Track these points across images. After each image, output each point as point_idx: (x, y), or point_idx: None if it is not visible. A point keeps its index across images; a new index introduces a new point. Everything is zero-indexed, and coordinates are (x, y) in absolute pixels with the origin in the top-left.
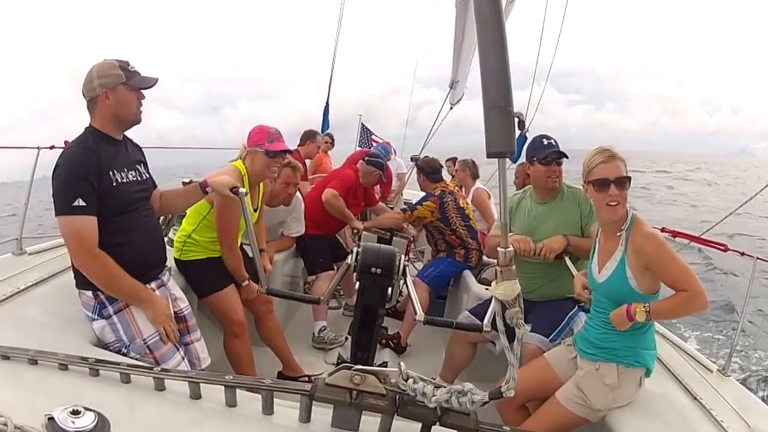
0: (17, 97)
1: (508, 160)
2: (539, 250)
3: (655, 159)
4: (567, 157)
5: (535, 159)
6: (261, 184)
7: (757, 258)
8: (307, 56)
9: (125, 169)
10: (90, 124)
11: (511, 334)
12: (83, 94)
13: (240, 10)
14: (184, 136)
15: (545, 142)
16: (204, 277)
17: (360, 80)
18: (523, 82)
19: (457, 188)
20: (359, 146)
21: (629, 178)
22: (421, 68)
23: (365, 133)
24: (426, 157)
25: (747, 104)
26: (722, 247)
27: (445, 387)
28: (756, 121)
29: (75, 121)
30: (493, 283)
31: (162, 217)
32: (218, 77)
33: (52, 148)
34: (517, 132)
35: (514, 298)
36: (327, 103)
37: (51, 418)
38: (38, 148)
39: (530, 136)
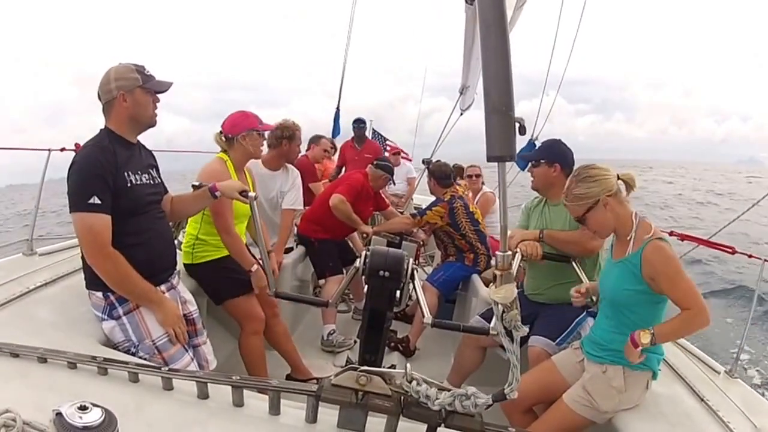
0: (18, 97)
1: (516, 166)
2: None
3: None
4: (536, 161)
5: None
6: (248, 174)
7: (765, 260)
8: (311, 58)
9: (139, 172)
10: (105, 125)
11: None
12: (99, 97)
13: (242, 12)
14: (191, 141)
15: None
16: (220, 281)
17: (368, 88)
18: (531, 91)
19: (466, 193)
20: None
21: (585, 214)
22: (430, 76)
23: (378, 139)
24: (438, 161)
25: (755, 112)
26: (730, 250)
27: (449, 390)
28: (764, 128)
29: (77, 123)
30: (492, 287)
31: (171, 222)
32: (224, 83)
33: (62, 150)
34: (519, 137)
35: (512, 301)
36: (338, 108)
37: (58, 414)
38: (49, 150)
39: (538, 144)
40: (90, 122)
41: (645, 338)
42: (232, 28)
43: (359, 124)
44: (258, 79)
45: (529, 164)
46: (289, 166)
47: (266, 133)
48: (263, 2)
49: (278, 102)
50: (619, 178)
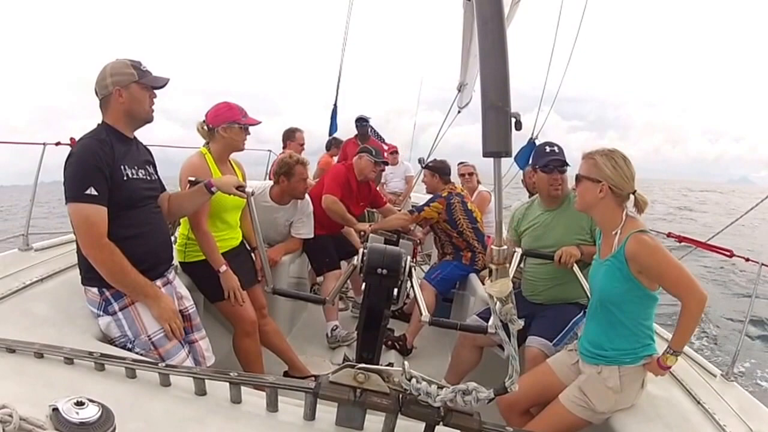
0: (13, 100)
1: (516, 165)
2: (558, 256)
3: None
4: (569, 165)
5: (537, 167)
6: (235, 166)
7: (762, 264)
8: (307, 62)
9: (136, 167)
10: (102, 120)
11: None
12: (96, 93)
13: (237, 17)
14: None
15: (548, 149)
16: (212, 280)
17: (365, 99)
18: (527, 106)
19: (465, 192)
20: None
21: (583, 178)
22: (426, 89)
23: (376, 137)
24: (436, 159)
25: (749, 132)
26: (728, 253)
27: (448, 387)
28: (757, 150)
29: (74, 127)
30: (487, 281)
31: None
32: (219, 89)
33: (58, 144)
34: (515, 132)
35: (507, 295)
36: (335, 105)
37: (55, 409)
38: (44, 144)
39: (538, 143)
40: (89, 127)
41: (671, 361)
42: (227, 34)
43: (362, 122)
44: (253, 86)
45: (556, 170)
46: (306, 196)
47: (250, 127)
48: (260, 6)
49: (274, 110)
50: (634, 193)
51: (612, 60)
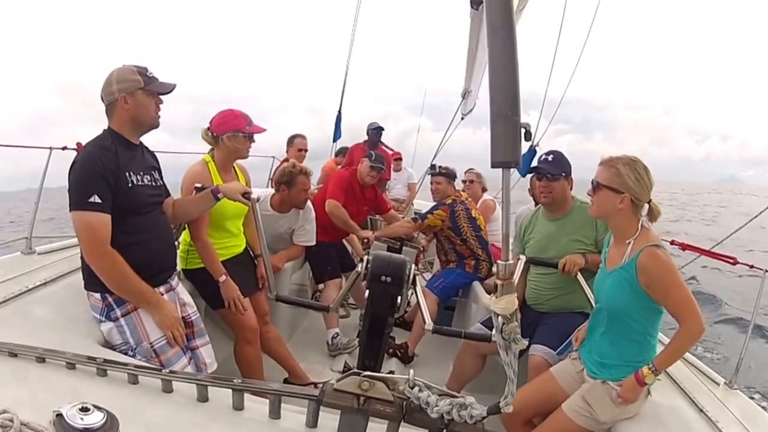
0: (5, 106)
1: (516, 173)
2: (562, 264)
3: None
4: (563, 174)
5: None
6: (239, 172)
7: (766, 271)
8: (297, 70)
9: (141, 173)
10: (108, 126)
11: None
12: (102, 99)
13: (227, 24)
14: (172, 156)
15: (542, 156)
16: (214, 288)
17: (353, 106)
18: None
19: (469, 199)
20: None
21: (603, 186)
22: (413, 95)
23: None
24: (442, 165)
25: (736, 131)
26: (731, 260)
27: (451, 396)
28: (745, 148)
29: (60, 134)
30: (492, 297)
31: (174, 225)
32: (207, 97)
33: (64, 149)
34: (525, 143)
35: (513, 313)
36: (339, 111)
37: (59, 415)
38: (50, 148)
39: (539, 151)
40: (76, 135)
41: (649, 378)
42: (216, 42)
43: (378, 130)
44: (242, 94)
45: (544, 178)
46: (308, 203)
47: (255, 135)
48: (249, 14)
49: (261, 118)
50: (650, 202)
51: (594, 60)
